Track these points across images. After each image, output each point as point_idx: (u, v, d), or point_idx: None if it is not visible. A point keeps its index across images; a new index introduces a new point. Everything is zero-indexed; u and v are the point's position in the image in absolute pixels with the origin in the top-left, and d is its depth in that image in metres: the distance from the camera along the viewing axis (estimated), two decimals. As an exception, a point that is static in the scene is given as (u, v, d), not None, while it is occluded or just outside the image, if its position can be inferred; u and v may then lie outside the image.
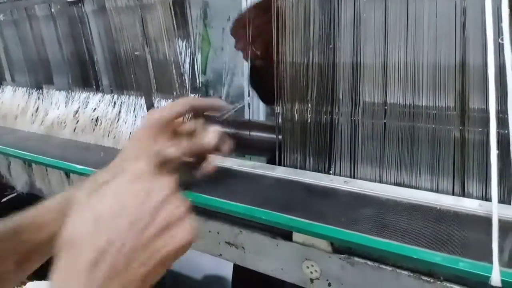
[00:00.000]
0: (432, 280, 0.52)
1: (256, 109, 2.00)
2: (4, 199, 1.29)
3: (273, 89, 0.64)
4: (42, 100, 1.00)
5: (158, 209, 0.36)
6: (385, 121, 0.56)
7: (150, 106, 0.70)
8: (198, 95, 0.75)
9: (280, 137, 0.66)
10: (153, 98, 0.78)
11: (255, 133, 0.87)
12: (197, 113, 0.61)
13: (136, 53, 0.74)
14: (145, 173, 0.38)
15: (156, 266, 0.35)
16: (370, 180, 0.59)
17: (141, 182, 0.37)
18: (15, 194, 1.19)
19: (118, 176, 0.38)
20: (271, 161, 0.70)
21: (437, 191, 0.54)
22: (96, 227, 0.34)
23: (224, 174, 0.67)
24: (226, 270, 1.32)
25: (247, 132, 0.89)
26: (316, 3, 0.57)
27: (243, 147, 0.90)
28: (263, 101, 0.90)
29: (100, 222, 0.34)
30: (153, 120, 0.57)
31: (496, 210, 0.43)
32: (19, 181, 1.09)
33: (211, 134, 0.57)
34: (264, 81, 0.69)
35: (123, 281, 0.34)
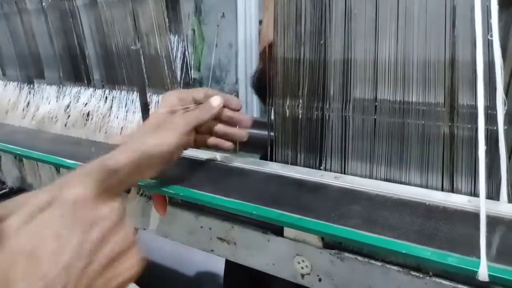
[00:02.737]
0: (421, 275, 0.53)
1: (250, 106, 2.00)
2: (-3, 194, 1.28)
3: None
4: (33, 95, 1.00)
5: (102, 242, 0.34)
6: (375, 117, 0.56)
7: (144, 101, 0.70)
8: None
9: (272, 133, 0.66)
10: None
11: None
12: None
13: (132, 47, 0.74)
14: (88, 200, 0.34)
15: None
16: (361, 176, 0.59)
17: (84, 211, 0.33)
18: (7, 189, 1.19)
19: (57, 203, 0.33)
20: (264, 157, 0.70)
21: (426, 187, 0.54)
22: (33, 266, 0.30)
23: (215, 170, 0.67)
24: (218, 266, 1.32)
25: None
26: (307, -2, 0.57)
27: (236, 144, 0.90)
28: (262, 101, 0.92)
29: (37, 260, 0.31)
30: (169, 103, 0.60)
31: (484, 206, 0.44)
32: (9, 176, 1.09)
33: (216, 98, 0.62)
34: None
35: None
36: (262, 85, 0.75)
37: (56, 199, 0.34)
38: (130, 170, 0.53)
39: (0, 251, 0.31)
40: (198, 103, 0.63)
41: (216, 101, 0.62)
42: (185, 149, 0.62)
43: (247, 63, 1.68)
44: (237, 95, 0.82)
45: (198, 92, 0.63)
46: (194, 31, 0.99)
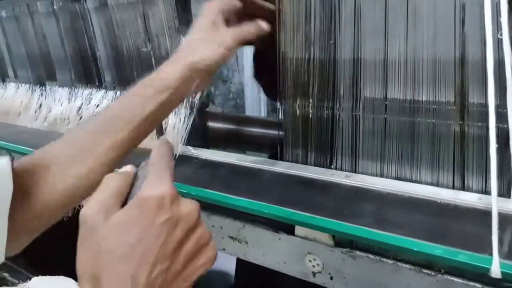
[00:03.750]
0: (433, 273, 0.53)
1: (257, 106, 2.01)
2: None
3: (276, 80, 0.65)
4: (45, 97, 1.01)
5: (184, 241, 0.35)
6: (385, 116, 0.57)
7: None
8: (202, 92, 0.76)
9: (281, 132, 0.67)
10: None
11: (256, 129, 0.88)
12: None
13: (143, 49, 0.75)
14: (167, 201, 0.34)
15: None
16: (371, 175, 0.59)
17: (166, 213, 0.34)
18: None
19: (139, 203, 0.34)
20: (273, 156, 0.70)
21: (437, 185, 0.55)
22: (124, 267, 0.33)
23: (226, 169, 0.68)
24: (228, 265, 1.32)
25: (248, 128, 0.89)
26: (317, -2, 0.58)
27: (244, 143, 0.90)
28: (266, 93, 0.90)
29: (128, 262, 0.33)
30: (211, 13, 0.58)
31: (496, 203, 0.44)
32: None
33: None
34: (268, 70, 0.67)
35: None
36: (261, 68, 0.74)
37: (139, 198, 0.35)
38: (179, 83, 0.54)
39: (85, 243, 0.34)
40: (237, 12, 0.60)
41: (265, 25, 0.59)
42: (225, 62, 0.59)
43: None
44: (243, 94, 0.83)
45: (236, 1, 0.60)
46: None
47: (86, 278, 0.33)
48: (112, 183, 0.36)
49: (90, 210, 0.34)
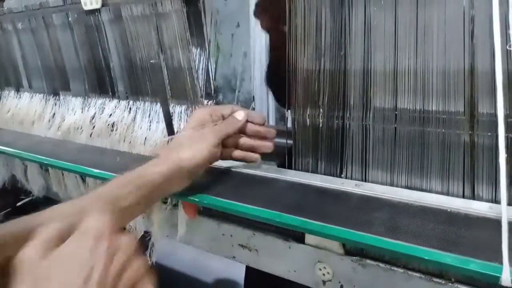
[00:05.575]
0: (443, 282, 0.53)
1: (265, 114, 2.01)
2: (19, 203, 1.32)
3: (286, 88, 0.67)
4: (59, 106, 1.03)
5: (121, 273, 0.34)
6: (395, 125, 0.57)
7: (166, 112, 0.72)
8: (212, 102, 0.77)
9: (291, 141, 0.68)
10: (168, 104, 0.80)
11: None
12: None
13: (152, 61, 0.76)
14: (106, 232, 0.35)
15: None
16: (381, 184, 0.60)
17: (105, 242, 0.34)
18: (30, 198, 1.22)
19: (78, 234, 0.35)
20: (281, 165, 0.71)
21: (447, 194, 0.55)
22: None
23: (237, 178, 0.69)
24: (237, 273, 1.33)
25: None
26: (327, 11, 0.59)
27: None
28: (276, 99, 0.92)
29: None
30: (199, 118, 0.64)
31: (506, 212, 0.44)
32: (35, 185, 1.11)
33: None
34: (280, 79, 0.69)
35: None
36: (274, 78, 0.76)
37: (75, 228, 0.35)
38: (162, 181, 0.57)
39: (24, 282, 0.32)
40: (225, 118, 0.65)
41: (240, 115, 0.65)
42: (211, 162, 0.64)
43: (262, 72, 1.70)
44: (254, 106, 0.86)
45: (225, 109, 0.66)
46: (209, 41, 1.02)
47: None
48: (53, 225, 0.35)
49: (27, 252, 0.33)
